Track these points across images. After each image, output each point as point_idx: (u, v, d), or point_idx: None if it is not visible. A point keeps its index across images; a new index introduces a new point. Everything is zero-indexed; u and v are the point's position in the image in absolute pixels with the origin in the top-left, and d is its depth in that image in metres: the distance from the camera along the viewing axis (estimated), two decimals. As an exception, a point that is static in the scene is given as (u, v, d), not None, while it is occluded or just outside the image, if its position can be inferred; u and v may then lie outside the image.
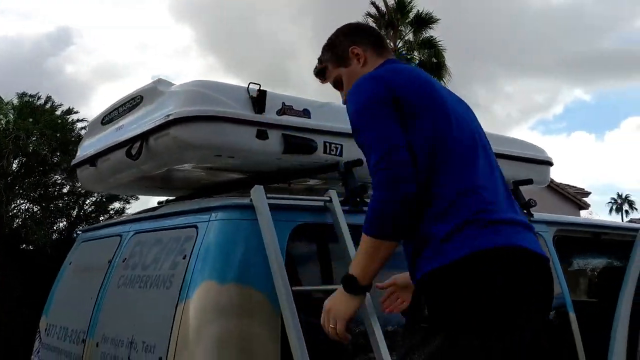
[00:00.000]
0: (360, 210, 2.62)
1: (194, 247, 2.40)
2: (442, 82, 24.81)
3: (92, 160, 3.25)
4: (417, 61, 25.05)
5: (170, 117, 2.52)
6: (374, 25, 25.32)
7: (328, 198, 2.53)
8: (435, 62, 24.72)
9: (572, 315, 3.20)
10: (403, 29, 25.57)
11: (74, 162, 3.53)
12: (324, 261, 2.57)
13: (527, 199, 3.41)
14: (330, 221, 2.50)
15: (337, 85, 2.19)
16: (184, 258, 2.42)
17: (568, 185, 26.41)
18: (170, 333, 2.27)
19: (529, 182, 3.47)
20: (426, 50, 24.76)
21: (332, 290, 2.31)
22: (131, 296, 2.70)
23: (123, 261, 2.89)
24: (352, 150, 2.74)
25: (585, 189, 28.71)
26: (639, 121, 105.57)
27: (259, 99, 2.57)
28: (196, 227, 2.48)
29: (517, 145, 3.60)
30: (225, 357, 2.16)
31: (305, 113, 2.73)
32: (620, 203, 75.87)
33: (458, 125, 1.86)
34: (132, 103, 2.97)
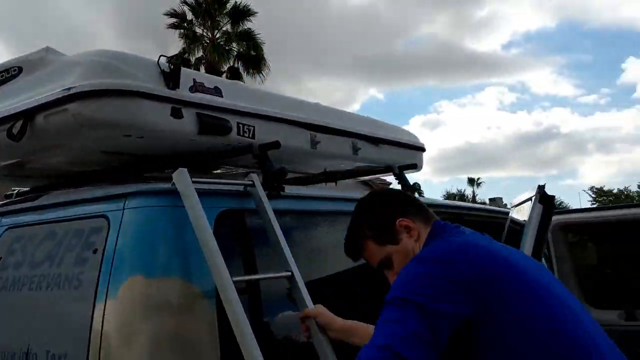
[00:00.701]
0: (279, 195, 2.51)
1: (106, 239, 2.12)
2: (261, 75, 25.02)
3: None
4: (235, 53, 24.99)
5: (72, 91, 2.18)
6: (190, 13, 24.79)
7: (250, 182, 2.38)
8: (254, 54, 24.86)
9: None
10: (221, 19, 25.33)
11: None
12: (251, 249, 2.41)
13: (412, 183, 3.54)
14: (254, 206, 2.36)
15: (383, 266, 1.80)
16: (94, 252, 2.13)
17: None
18: (90, 337, 1.98)
19: (414, 166, 3.60)
20: (244, 43, 24.81)
21: (274, 279, 2.20)
22: (18, 300, 2.31)
23: (-1, 259, 2.46)
24: (265, 132, 2.63)
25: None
26: (424, 119, 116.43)
27: (173, 74, 2.33)
28: (105, 217, 2.18)
29: (397, 131, 3.71)
30: (161, 358, 1.93)
31: (217, 91, 2.53)
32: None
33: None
34: (3, 76, 2.53)
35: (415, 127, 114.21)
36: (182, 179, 2.15)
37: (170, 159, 2.61)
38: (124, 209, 2.15)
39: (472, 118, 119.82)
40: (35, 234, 2.41)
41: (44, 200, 2.58)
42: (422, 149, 3.84)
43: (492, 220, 4.58)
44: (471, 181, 64.99)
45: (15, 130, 2.32)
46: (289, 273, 2.23)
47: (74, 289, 2.12)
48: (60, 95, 2.20)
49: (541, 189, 2.75)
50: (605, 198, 39.25)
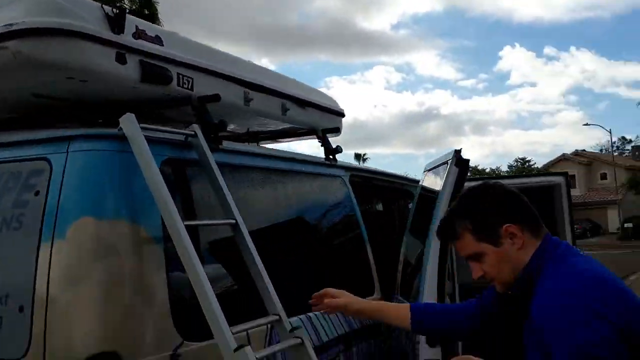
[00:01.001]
0: (218, 149, 2.57)
1: (50, 181, 2.09)
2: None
3: None
4: (127, 9, 23.85)
5: (14, 28, 2.10)
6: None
7: (192, 132, 2.42)
8: (147, 13, 23.87)
9: (369, 248, 3.63)
10: (111, -26, 24.04)
11: None
12: (191, 198, 2.46)
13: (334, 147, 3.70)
14: (196, 157, 2.41)
15: (473, 258, 1.79)
16: (36, 195, 2.09)
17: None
18: (35, 278, 1.96)
19: (336, 130, 3.75)
20: (137, 0, 23.76)
21: (220, 226, 2.27)
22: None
23: None
24: (202, 85, 2.66)
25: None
26: None
27: (117, 18, 2.30)
28: (46, 159, 2.15)
29: (320, 95, 3.83)
30: (114, 297, 1.96)
31: (158, 40, 2.53)
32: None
33: None
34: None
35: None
36: (130, 124, 2.16)
37: (107, 107, 2.58)
38: (67, 152, 2.13)
39: (360, 95, 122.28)
40: None
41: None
42: (342, 114, 4.00)
43: (402, 187, 4.87)
44: (358, 156, 66.74)
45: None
46: (233, 221, 2.31)
47: (14, 230, 2.08)
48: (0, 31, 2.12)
49: (458, 152, 3.00)
50: (479, 177, 41.93)
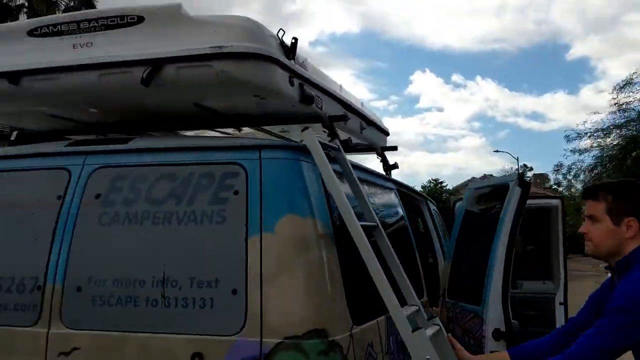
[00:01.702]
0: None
1: (247, 183, 2.43)
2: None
3: (11, 75, 2.73)
4: (63, 5, 23.32)
5: (222, 50, 2.44)
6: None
7: (336, 146, 2.81)
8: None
9: (417, 254, 4.12)
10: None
11: None
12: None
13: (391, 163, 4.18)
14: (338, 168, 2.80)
15: (591, 218, 2.27)
16: (235, 194, 2.43)
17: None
18: (246, 266, 2.30)
19: (394, 148, 4.22)
20: None
21: (367, 226, 2.67)
22: (140, 233, 2.50)
23: (96, 197, 2.59)
24: (327, 106, 3.07)
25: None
26: None
27: (292, 47, 2.68)
28: (239, 164, 2.48)
29: (375, 115, 4.30)
30: (317, 283, 2.33)
31: (304, 66, 2.92)
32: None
33: None
34: (115, 21, 2.64)
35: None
36: (310, 137, 2.54)
37: (247, 119, 2.97)
38: (260, 159, 2.47)
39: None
40: (144, 174, 2.58)
41: (135, 144, 2.73)
42: (388, 133, 4.49)
43: (413, 199, 5.37)
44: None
45: (144, 75, 2.50)
46: (375, 223, 2.73)
47: (217, 223, 2.40)
48: (207, 52, 2.45)
49: (521, 175, 3.55)
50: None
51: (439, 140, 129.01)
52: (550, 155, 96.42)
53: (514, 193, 3.55)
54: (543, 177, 75.54)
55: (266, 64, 2.53)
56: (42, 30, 2.75)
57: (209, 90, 2.60)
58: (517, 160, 49.28)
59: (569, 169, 22.18)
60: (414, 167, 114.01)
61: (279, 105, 2.79)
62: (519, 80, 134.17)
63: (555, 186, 53.65)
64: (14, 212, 2.71)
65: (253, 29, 2.53)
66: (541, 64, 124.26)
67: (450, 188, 58.03)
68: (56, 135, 3.26)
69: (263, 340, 2.23)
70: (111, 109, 2.96)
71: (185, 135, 3.17)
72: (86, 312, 2.45)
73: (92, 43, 2.66)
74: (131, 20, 2.63)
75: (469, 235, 4.09)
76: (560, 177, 28.04)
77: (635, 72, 15.56)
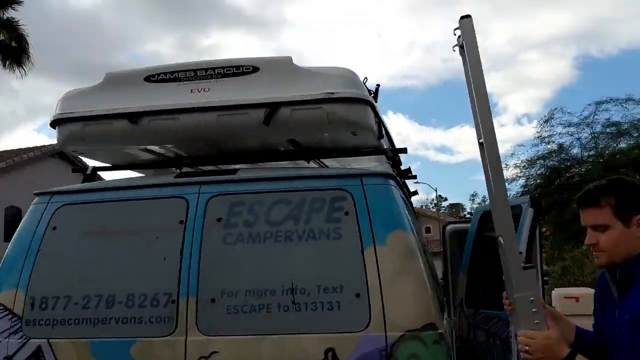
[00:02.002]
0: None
1: (355, 205, 2.91)
2: (22, 69, 23.24)
3: (132, 116, 3.11)
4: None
5: (334, 96, 2.95)
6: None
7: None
8: (15, 46, 22.96)
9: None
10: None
11: (74, 114, 3.18)
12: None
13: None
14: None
15: (596, 228, 2.07)
16: (346, 214, 2.90)
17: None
18: (365, 273, 2.77)
19: (404, 150, 4.69)
20: (6, 32, 22.78)
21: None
22: (263, 250, 2.91)
23: (218, 220, 2.99)
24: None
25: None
26: None
27: (376, 91, 3.22)
28: (345, 189, 2.97)
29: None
30: (425, 286, 2.83)
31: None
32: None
33: None
34: (231, 70, 3.08)
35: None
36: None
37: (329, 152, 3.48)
38: (362, 185, 2.97)
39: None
40: (260, 200, 3.00)
41: (244, 175, 3.15)
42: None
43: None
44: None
45: (265, 116, 2.96)
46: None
47: (334, 239, 2.86)
48: (320, 97, 2.95)
49: (532, 197, 4.20)
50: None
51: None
52: (460, 185, 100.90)
53: (527, 213, 4.20)
54: (458, 206, 78.95)
55: (364, 107, 3.06)
56: (159, 77, 3.15)
57: (315, 128, 3.08)
58: (436, 190, 51.43)
59: (484, 198, 23.56)
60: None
61: (366, 140, 3.31)
62: (428, 115, 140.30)
63: (469, 215, 56.31)
64: (141, 236, 3.05)
65: (354, 77, 3.06)
66: (448, 99, 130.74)
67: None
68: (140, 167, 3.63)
69: (387, 334, 2.69)
70: (214, 144, 3.37)
71: (280, 167, 3.60)
72: (222, 320, 2.83)
73: (209, 88, 3.09)
74: (247, 70, 3.08)
75: (482, 252, 4.69)
76: (475, 205, 29.65)
77: (556, 108, 16.99)
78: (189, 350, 2.81)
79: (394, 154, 3.56)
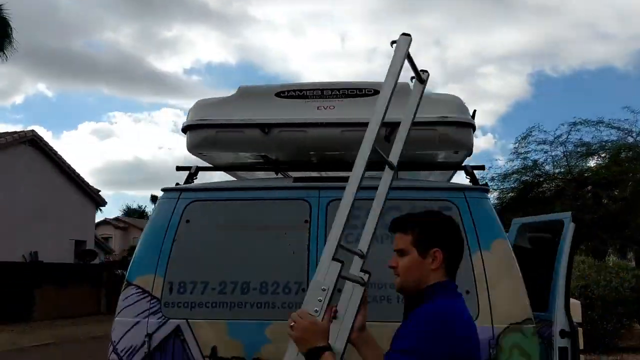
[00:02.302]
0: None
1: (461, 215, 3.39)
2: (2, 54, 22.99)
3: (264, 126, 3.51)
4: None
5: (447, 119, 3.43)
6: None
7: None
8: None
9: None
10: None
11: (205, 121, 3.56)
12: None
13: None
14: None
15: (400, 252, 2.27)
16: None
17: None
18: (473, 274, 3.25)
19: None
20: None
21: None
22: (381, 250, 3.34)
23: (340, 222, 3.42)
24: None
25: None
26: (95, 126, 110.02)
27: (474, 114, 3.71)
28: (451, 201, 3.44)
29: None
30: (522, 286, 3.32)
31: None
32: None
33: None
34: (354, 92, 3.52)
35: (85, 134, 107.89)
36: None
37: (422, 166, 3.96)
38: (466, 198, 3.45)
39: (145, 134, 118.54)
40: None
41: (369, 183, 3.58)
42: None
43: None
44: (154, 199, 65.86)
45: (387, 133, 3.41)
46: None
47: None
48: (435, 119, 3.42)
49: (573, 213, 4.77)
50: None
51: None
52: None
53: (569, 228, 4.76)
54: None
55: (469, 129, 3.55)
56: (289, 94, 3.56)
57: (425, 146, 3.55)
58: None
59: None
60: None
61: (457, 157, 3.80)
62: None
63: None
64: (270, 231, 3.45)
65: (462, 103, 3.55)
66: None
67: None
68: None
69: (494, 326, 3.18)
70: (324, 153, 3.79)
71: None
72: (347, 309, 3.26)
73: (334, 106, 3.52)
74: (368, 92, 3.53)
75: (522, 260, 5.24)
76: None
77: (534, 127, 17.91)
78: (318, 333, 3.23)
79: (473, 169, 4.05)
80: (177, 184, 4.74)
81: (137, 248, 3.58)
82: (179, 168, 4.31)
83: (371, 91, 3.55)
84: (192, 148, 3.71)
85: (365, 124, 3.43)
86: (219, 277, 3.37)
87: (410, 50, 2.37)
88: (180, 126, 3.74)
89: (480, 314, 3.20)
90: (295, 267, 3.36)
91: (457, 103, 3.55)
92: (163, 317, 3.33)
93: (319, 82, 3.61)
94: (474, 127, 3.60)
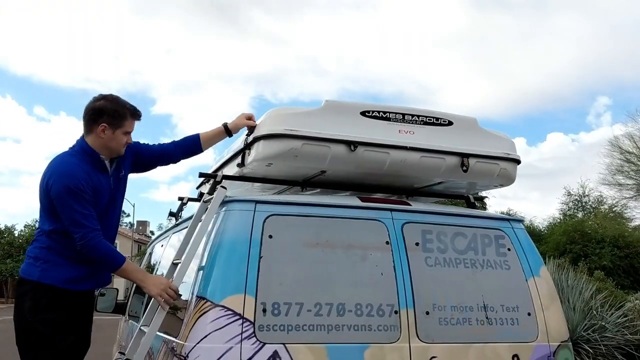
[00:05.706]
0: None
1: (512, 243, 3.77)
2: None
3: (352, 144, 3.46)
4: None
5: (510, 156, 3.79)
6: None
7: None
8: None
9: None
10: None
11: (300, 132, 3.37)
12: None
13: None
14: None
15: None
16: (508, 250, 3.73)
17: None
18: (531, 297, 3.64)
19: None
20: None
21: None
22: (457, 273, 3.53)
23: (416, 244, 3.53)
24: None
25: None
26: None
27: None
28: (502, 230, 3.79)
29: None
30: (564, 309, 3.79)
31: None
32: None
33: None
34: (433, 120, 3.65)
35: None
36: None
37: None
38: (512, 228, 3.83)
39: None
40: (443, 231, 3.61)
41: (432, 208, 3.73)
42: None
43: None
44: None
45: (465, 165, 3.64)
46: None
47: (506, 269, 3.65)
48: (500, 155, 3.75)
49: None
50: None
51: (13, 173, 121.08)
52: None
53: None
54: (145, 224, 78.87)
55: (517, 166, 3.95)
56: (373, 114, 3.55)
57: (484, 178, 3.85)
58: (134, 206, 50.26)
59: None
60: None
61: (476, 186, 4.17)
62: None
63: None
64: (355, 251, 3.37)
65: (514, 143, 3.93)
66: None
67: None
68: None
69: (550, 343, 3.59)
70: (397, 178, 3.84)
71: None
72: (435, 330, 3.36)
73: (413, 132, 3.61)
74: (444, 122, 3.71)
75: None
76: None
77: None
78: (413, 355, 3.27)
79: (475, 200, 4.45)
80: (181, 198, 4.26)
81: (208, 262, 3.19)
82: (201, 175, 3.92)
83: (446, 121, 3.72)
84: (265, 158, 3.44)
85: (441, 152, 3.65)
86: (314, 298, 3.19)
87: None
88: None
89: (539, 334, 3.59)
90: (385, 288, 3.35)
91: (512, 141, 3.93)
92: (258, 342, 3.04)
93: (400, 106, 3.66)
94: (519, 163, 4.01)
